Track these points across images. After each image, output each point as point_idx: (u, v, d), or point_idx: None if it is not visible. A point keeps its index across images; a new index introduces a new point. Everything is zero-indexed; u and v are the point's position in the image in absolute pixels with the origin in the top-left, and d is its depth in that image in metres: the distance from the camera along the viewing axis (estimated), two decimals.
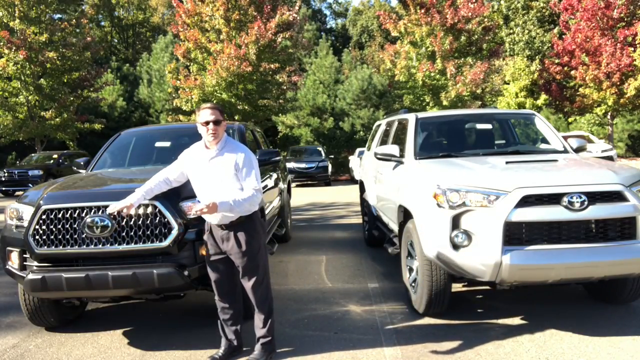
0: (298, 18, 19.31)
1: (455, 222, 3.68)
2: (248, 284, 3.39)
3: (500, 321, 4.10)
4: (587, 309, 4.30)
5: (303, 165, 19.97)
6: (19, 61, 18.99)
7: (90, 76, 21.83)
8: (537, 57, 30.99)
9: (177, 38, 21.62)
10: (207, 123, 3.24)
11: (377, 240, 6.78)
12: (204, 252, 3.54)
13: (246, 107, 18.59)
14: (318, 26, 45.40)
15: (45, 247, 3.57)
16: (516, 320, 4.11)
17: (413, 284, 4.33)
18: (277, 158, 5.57)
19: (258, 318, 3.47)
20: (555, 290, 4.79)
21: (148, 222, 3.55)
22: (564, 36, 22.10)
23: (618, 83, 19.82)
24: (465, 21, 19.61)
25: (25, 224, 3.70)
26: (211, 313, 4.52)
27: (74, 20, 21.72)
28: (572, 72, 20.99)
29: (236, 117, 18.30)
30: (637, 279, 4.04)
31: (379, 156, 5.28)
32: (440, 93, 19.96)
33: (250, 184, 3.25)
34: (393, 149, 5.13)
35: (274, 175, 6.54)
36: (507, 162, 4.25)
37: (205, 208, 3.03)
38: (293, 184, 16.64)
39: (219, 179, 3.26)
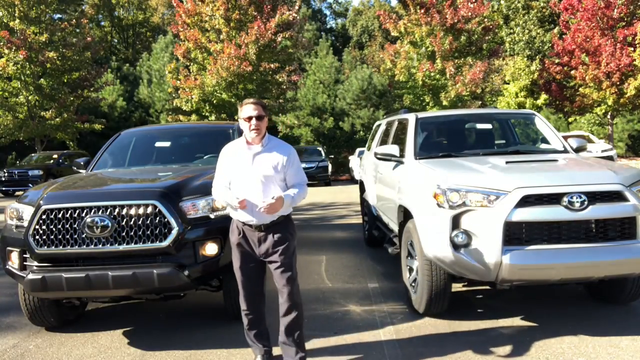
0: (298, 18, 19.31)
1: (456, 222, 3.68)
2: (283, 281, 3.21)
3: (500, 321, 4.10)
4: (587, 309, 4.30)
5: (303, 165, 19.81)
6: (19, 61, 18.99)
7: (90, 76, 21.82)
8: (537, 57, 30.98)
9: (177, 38, 21.61)
10: (250, 118, 3.11)
11: (377, 240, 6.77)
12: (204, 252, 3.52)
13: None
14: (318, 26, 45.41)
15: (45, 247, 3.56)
16: (516, 320, 4.11)
17: (413, 284, 4.33)
18: None
19: (291, 319, 3.27)
20: (555, 290, 4.78)
21: (148, 222, 3.55)
22: (564, 36, 22.12)
23: (618, 83, 19.83)
24: (465, 21, 19.63)
25: (25, 224, 3.70)
26: (211, 313, 4.53)
27: (74, 20, 21.74)
28: (572, 72, 21.01)
29: (236, 117, 18.29)
30: (637, 279, 4.04)
31: (379, 156, 5.28)
32: (440, 93, 19.97)
33: (302, 179, 3.28)
34: (393, 149, 5.12)
35: None
36: (507, 162, 4.25)
37: (268, 205, 2.98)
38: None
39: (264, 174, 3.14)
